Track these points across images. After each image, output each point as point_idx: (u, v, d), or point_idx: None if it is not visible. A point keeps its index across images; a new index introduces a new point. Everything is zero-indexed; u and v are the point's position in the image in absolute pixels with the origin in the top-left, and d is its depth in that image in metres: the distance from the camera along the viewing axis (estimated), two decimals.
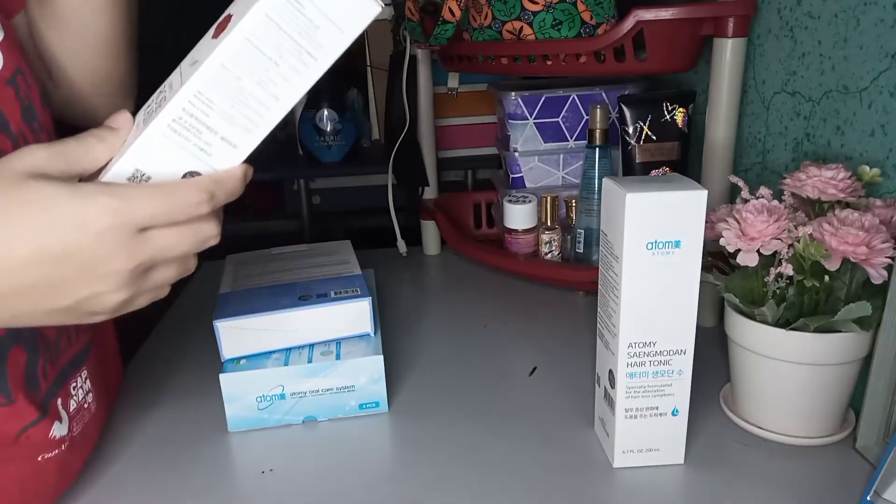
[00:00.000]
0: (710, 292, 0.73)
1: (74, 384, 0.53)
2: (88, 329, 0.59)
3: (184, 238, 0.38)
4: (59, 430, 0.50)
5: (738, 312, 0.56)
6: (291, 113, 1.63)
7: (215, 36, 0.38)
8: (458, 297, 0.89)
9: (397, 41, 1.24)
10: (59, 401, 0.51)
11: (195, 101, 0.37)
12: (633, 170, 0.78)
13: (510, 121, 0.91)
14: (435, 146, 1.03)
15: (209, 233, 0.39)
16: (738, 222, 0.53)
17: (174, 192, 0.37)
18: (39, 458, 0.49)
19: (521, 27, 0.78)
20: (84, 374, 0.55)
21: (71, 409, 0.53)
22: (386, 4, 1.56)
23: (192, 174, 0.39)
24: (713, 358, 0.69)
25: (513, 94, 0.89)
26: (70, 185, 0.36)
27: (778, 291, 0.53)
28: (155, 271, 0.39)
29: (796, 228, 0.52)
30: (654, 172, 0.78)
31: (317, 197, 1.63)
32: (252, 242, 0.84)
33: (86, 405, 0.55)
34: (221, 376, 0.59)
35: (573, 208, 0.88)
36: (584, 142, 0.90)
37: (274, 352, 0.62)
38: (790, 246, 0.52)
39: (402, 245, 1.03)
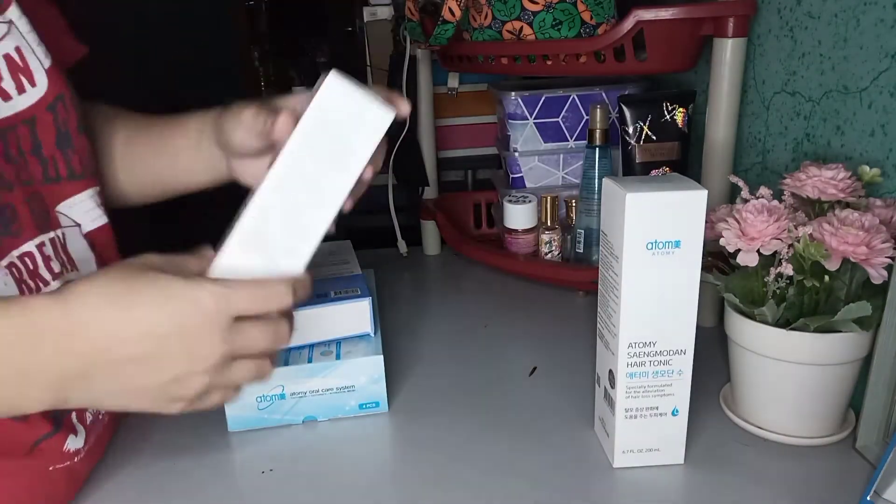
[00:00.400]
0: (710, 292, 0.73)
1: None
2: None
3: (266, 333, 0.43)
4: (74, 443, 0.51)
5: (738, 312, 0.56)
6: None
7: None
8: (458, 297, 0.89)
9: (397, 41, 1.24)
10: (74, 415, 0.52)
11: (258, 215, 0.44)
12: (633, 170, 0.78)
13: (510, 121, 0.91)
14: (435, 146, 1.03)
15: (284, 332, 0.44)
16: (738, 222, 0.53)
17: (267, 284, 0.42)
18: (50, 468, 0.49)
19: (521, 27, 0.78)
20: None
21: (88, 422, 0.53)
22: (386, 4, 1.56)
23: None
24: (713, 358, 0.69)
25: (513, 94, 0.89)
26: (183, 275, 0.41)
27: (778, 291, 0.53)
28: (236, 365, 0.42)
29: (796, 228, 0.52)
30: (654, 172, 0.78)
31: None
32: None
33: (100, 416, 0.55)
34: None
35: (573, 208, 0.88)
36: (584, 142, 0.90)
37: None
38: (790, 246, 0.52)
39: (402, 245, 1.03)
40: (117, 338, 0.39)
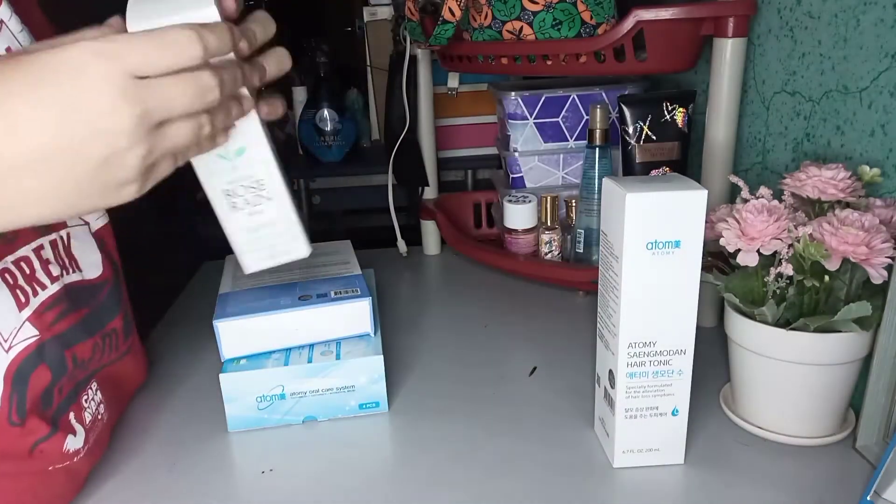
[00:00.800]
0: (710, 292, 0.73)
1: (86, 396, 0.54)
2: (125, 343, 0.60)
3: (184, 86, 0.37)
4: (73, 443, 0.51)
5: (738, 312, 0.56)
6: (292, 113, 1.63)
7: None
8: (458, 297, 0.89)
9: (397, 41, 1.24)
10: (72, 415, 0.51)
11: None
12: (633, 170, 0.78)
13: (510, 121, 0.91)
14: (435, 146, 1.03)
15: (208, 82, 0.38)
16: (738, 222, 0.53)
17: (162, 33, 0.36)
18: (50, 468, 0.49)
19: (521, 27, 0.78)
20: (94, 385, 0.55)
21: (87, 422, 0.53)
22: (386, 4, 1.56)
23: None
24: (713, 358, 0.69)
25: (513, 94, 0.89)
26: (53, 45, 0.35)
27: (778, 291, 0.53)
28: (168, 126, 0.37)
29: (796, 228, 0.52)
30: (654, 172, 0.78)
31: (317, 197, 1.63)
32: None
33: (99, 416, 0.55)
34: (221, 376, 0.59)
35: (573, 208, 0.88)
36: (584, 142, 0.90)
37: (274, 352, 0.62)
38: (790, 246, 0.52)
39: (402, 245, 1.03)
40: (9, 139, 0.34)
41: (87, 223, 0.55)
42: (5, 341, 0.46)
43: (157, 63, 0.36)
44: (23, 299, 0.48)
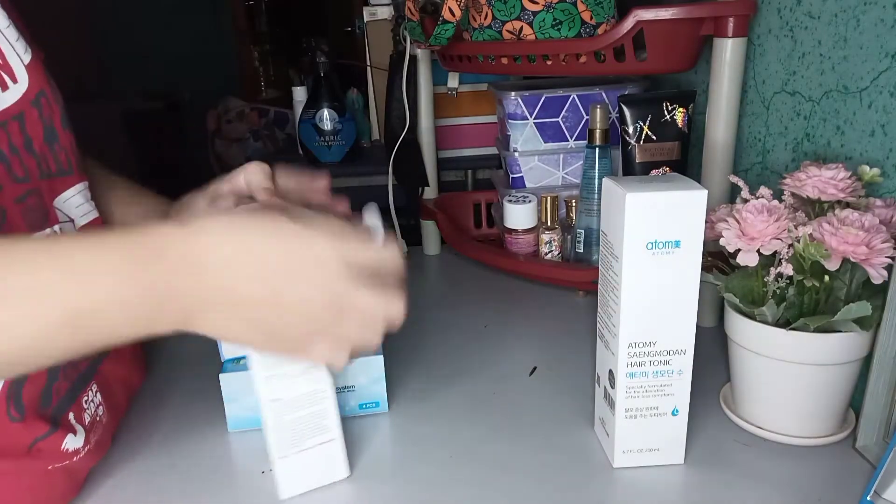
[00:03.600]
0: (710, 292, 0.73)
1: (86, 398, 0.54)
2: None
3: (380, 299, 0.43)
4: (73, 442, 0.50)
5: (738, 312, 0.56)
6: (292, 113, 1.63)
7: None
8: (458, 297, 0.89)
9: (397, 41, 1.24)
10: (72, 415, 0.51)
11: None
12: (633, 170, 0.78)
13: (510, 121, 0.91)
14: (435, 146, 1.03)
15: (397, 309, 0.43)
16: (738, 222, 0.53)
17: (381, 246, 0.44)
18: (49, 468, 0.49)
19: (521, 27, 0.78)
20: (94, 388, 0.55)
21: (87, 422, 0.53)
22: (386, 4, 1.56)
23: None
24: (713, 358, 0.69)
25: (513, 94, 0.89)
26: (304, 222, 0.42)
27: (778, 291, 0.53)
28: (348, 319, 0.42)
29: (796, 228, 0.52)
30: (654, 172, 0.78)
31: None
32: None
33: (98, 417, 0.55)
34: (221, 376, 0.59)
35: (573, 208, 0.88)
36: (584, 142, 0.90)
37: None
38: (790, 246, 0.52)
39: (402, 245, 1.03)
40: (235, 270, 0.40)
41: (71, 220, 0.55)
42: None
43: (372, 262, 0.43)
44: None
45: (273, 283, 0.40)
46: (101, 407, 0.56)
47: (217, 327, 0.41)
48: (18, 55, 0.50)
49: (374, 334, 0.44)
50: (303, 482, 0.53)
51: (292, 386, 0.50)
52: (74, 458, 0.51)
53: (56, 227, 0.52)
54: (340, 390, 0.61)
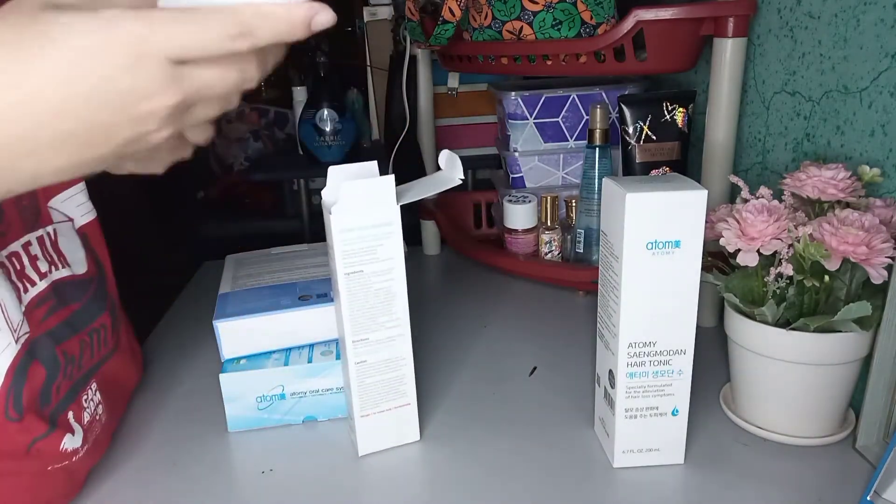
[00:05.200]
0: (710, 292, 0.73)
1: (86, 397, 0.54)
2: (112, 338, 0.59)
3: (226, 78, 0.33)
4: (71, 442, 0.50)
5: (738, 312, 0.56)
6: (292, 113, 1.63)
7: None
8: (458, 297, 0.89)
9: (397, 41, 1.24)
10: (71, 414, 0.51)
11: None
12: (633, 170, 0.78)
13: (510, 121, 0.91)
14: (435, 146, 1.03)
15: (252, 72, 0.34)
16: (738, 222, 0.53)
17: (207, 18, 0.31)
18: (49, 468, 0.49)
19: (521, 27, 0.78)
20: (94, 386, 0.55)
21: (84, 422, 0.53)
22: (386, 4, 1.56)
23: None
24: (713, 358, 0.69)
25: (513, 94, 0.89)
26: (89, 12, 0.30)
27: (778, 291, 0.53)
28: (196, 108, 0.34)
29: (796, 228, 0.52)
30: (654, 172, 0.78)
31: (317, 197, 1.63)
32: (252, 242, 0.84)
33: (97, 416, 0.55)
34: (221, 376, 0.59)
35: (573, 208, 0.88)
36: (584, 142, 0.90)
37: (274, 352, 0.62)
38: (790, 246, 0.52)
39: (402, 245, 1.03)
40: (31, 121, 0.30)
41: (70, 219, 0.54)
42: (14, 331, 0.46)
43: (198, 50, 0.32)
44: (20, 293, 0.48)
45: (77, 118, 0.30)
46: (100, 406, 0.56)
47: (42, 173, 0.32)
48: None
49: (230, 101, 0.35)
50: (379, 441, 0.57)
51: (376, 351, 0.54)
52: (73, 459, 0.51)
53: (49, 228, 0.52)
54: (341, 390, 0.61)
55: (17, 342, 0.46)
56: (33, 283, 0.50)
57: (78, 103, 0.30)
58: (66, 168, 0.33)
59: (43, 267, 0.51)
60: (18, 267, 0.49)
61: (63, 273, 0.54)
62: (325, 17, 0.34)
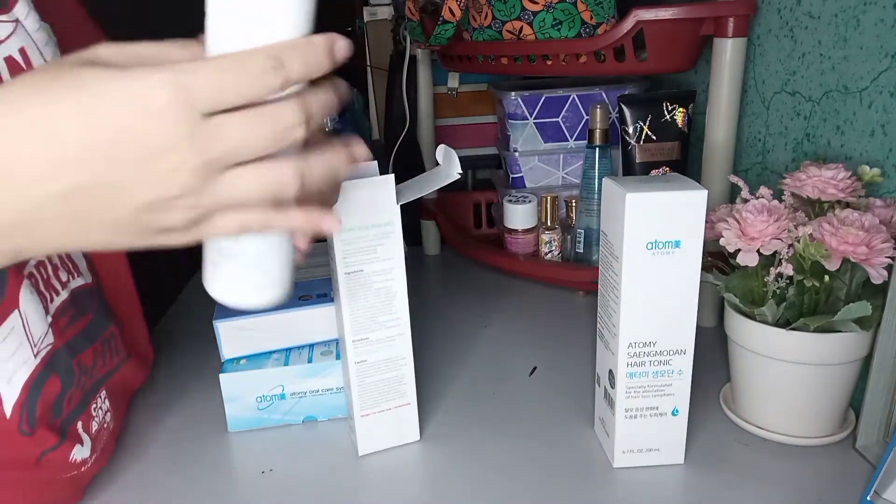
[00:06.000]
0: (710, 292, 0.73)
1: (95, 406, 0.53)
2: (125, 346, 0.59)
3: (259, 124, 0.30)
4: (80, 452, 0.50)
5: (738, 312, 0.56)
6: None
7: None
8: (458, 297, 0.89)
9: (397, 41, 1.24)
10: (80, 424, 0.51)
11: None
12: (633, 170, 0.78)
13: (510, 121, 0.91)
14: (435, 146, 1.03)
15: (289, 119, 0.30)
16: (738, 222, 0.53)
17: (239, 59, 0.29)
18: (57, 478, 0.49)
19: (521, 27, 0.78)
20: (103, 394, 0.55)
21: (93, 431, 0.52)
22: (386, 4, 1.56)
23: None
24: (713, 358, 0.69)
25: (513, 94, 0.89)
26: (122, 67, 0.29)
27: (778, 291, 0.53)
28: (231, 176, 0.30)
29: (796, 228, 0.52)
30: (654, 172, 0.78)
31: None
32: None
33: (105, 424, 0.55)
34: (221, 376, 0.59)
35: (573, 208, 0.88)
36: (584, 142, 0.90)
37: (274, 352, 0.62)
38: (790, 246, 0.52)
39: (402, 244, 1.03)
40: (46, 166, 0.28)
41: None
42: (35, 346, 0.46)
43: (231, 93, 0.29)
44: (47, 303, 0.47)
45: (92, 165, 0.29)
46: (108, 413, 0.55)
47: (48, 240, 0.31)
48: (45, 60, 0.48)
49: (285, 175, 0.31)
50: (379, 441, 0.57)
51: (376, 351, 0.55)
52: (82, 469, 0.50)
53: None
54: (340, 390, 0.61)
55: (35, 356, 0.46)
56: (57, 293, 0.49)
57: (95, 152, 0.29)
58: (76, 234, 0.31)
59: (63, 276, 0.51)
60: (45, 276, 0.48)
61: (79, 282, 0.54)
62: (343, 44, 0.32)
